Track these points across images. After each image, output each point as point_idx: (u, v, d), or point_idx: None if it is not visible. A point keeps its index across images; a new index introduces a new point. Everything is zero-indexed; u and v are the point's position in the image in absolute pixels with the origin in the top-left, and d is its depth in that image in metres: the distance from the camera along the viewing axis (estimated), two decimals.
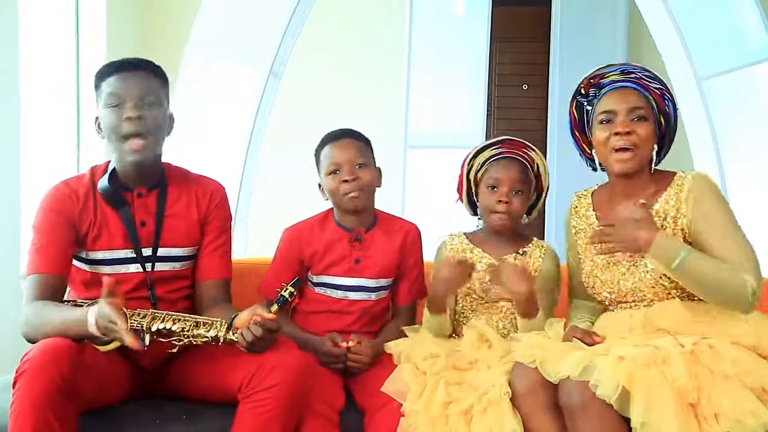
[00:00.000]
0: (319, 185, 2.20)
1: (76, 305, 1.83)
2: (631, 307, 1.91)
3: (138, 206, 1.95)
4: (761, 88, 3.18)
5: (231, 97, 3.40)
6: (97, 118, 1.95)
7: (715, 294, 1.76)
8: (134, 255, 1.93)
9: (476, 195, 2.14)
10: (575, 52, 4.99)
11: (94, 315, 1.69)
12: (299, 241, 2.18)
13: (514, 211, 2.07)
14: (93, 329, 1.69)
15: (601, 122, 1.91)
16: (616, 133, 1.87)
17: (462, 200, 2.20)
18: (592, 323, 2.00)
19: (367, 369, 2.05)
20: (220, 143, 3.36)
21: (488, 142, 2.13)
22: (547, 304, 2.09)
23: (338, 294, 2.16)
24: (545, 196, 2.17)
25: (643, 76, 1.91)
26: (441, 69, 4.65)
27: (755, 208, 3.13)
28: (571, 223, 2.07)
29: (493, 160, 2.09)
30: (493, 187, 2.07)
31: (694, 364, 1.67)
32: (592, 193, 2.06)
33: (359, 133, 2.19)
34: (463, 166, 2.16)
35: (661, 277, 1.85)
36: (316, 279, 2.17)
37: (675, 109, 1.94)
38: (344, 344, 2.06)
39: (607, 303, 1.97)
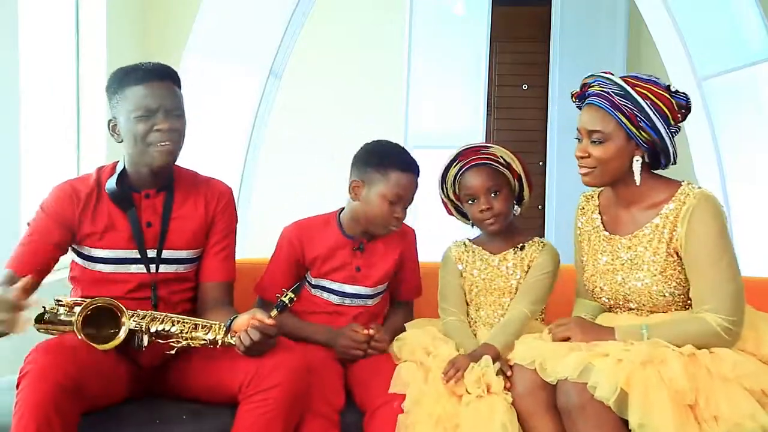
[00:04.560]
0: (355, 184, 2.11)
1: (76, 304, 1.83)
2: (629, 311, 1.92)
3: (145, 207, 1.95)
4: (761, 88, 3.18)
5: (231, 97, 3.40)
6: (110, 121, 1.94)
7: (692, 342, 1.74)
8: (138, 256, 1.93)
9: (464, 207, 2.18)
10: (575, 52, 4.99)
11: None
12: (300, 242, 2.17)
13: (500, 212, 2.09)
14: None
15: (576, 138, 1.93)
16: (576, 155, 1.90)
17: (453, 215, 2.24)
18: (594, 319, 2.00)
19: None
20: (220, 143, 3.36)
21: (447, 161, 2.13)
22: (535, 296, 2.07)
23: (335, 299, 2.17)
24: (528, 182, 2.15)
25: (612, 92, 1.83)
26: (441, 69, 4.65)
27: (755, 208, 3.14)
28: (577, 224, 2.07)
29: (460, 175, 2.12)
30: (472, 200, 2.11)
31: (692, 365, 1.68)
32: (599, 194, 2.05)
33: (418, 168, 2.13)
34: (440, 192, 2.19)
35: (652, 289, 1.85)
36: (314, 281, 2.18)
37: (652, 124, 1.81)
38: (365, 332, 2.08)
39: (607, 307, 1.98)
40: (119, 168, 1.96)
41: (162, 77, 1.91)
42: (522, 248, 2.15)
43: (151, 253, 1.94)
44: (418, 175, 2.13)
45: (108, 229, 1.92)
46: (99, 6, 3.93)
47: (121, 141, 1.93)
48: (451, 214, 2.24)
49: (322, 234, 2.18)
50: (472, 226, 2.21)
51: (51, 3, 3.67)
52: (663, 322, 1.82)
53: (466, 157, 2.11)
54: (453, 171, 2.13)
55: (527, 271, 2.13)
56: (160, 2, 4.51)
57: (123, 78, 1.91)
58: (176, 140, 1.91)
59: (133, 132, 1.88)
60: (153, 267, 1.94)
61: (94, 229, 1.92)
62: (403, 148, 2.20)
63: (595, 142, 1.86)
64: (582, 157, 1.88)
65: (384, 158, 2.11)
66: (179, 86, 1.96)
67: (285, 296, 1.83)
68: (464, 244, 2.22)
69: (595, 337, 1.79)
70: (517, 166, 2.13)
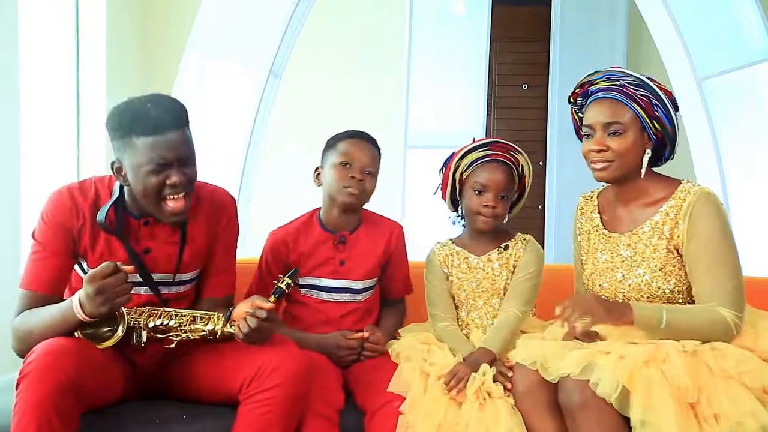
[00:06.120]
0: (317, 171, 2.20)
1: None
2: None
3: (143, 234, 1.88)
4: (761, 88, 3.18)
5: (231, 97, 3.40)
6: (114, 163, 1.81)
7: (703, 336, 1.76)
8: (141, 280, 1.87)
9: (460, 194, 2.16)
10: (575, 52, 4.99)
11: (78, 296, 1.68)
12: (285, 246, 2.18)
13: (499, 214, 2.10)
14: (78, 311, 1.68)
15: (585, 135, 1.92)
16: (591, 150, 1.89)
17: (444, 198, 2.21)
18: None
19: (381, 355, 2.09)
20: (220, 143, 3.36)
21: (476, 143, 2.14)
22: (525, 297, 2.09)
23: (324, 296, 2.17)
24: (526, 196, 2.20)
25: (628, 84, 1.87)
26: (441, 69, 4.66)
27: (755, 209, 3.14)
28: (577, 224, 2.07)
29: (481, 163, 2.10)
30: (479, 192, 2.09)
31: (694, 363, 1.68)
32: (598, 194, 2.06)
33: (378, 146, 2.20)
34: (449, 165, 2.16)
35: (652, 285, 1.86)
36: (301, 281, 2.17)
37: (667, 112, 1.87)
38: (358, 335, 2.09)
39: None
40: (115, 193, 1.86)
41: (175, 126, 1.77)
42: (506, 248, 2.14)
43: (158, 277, 1.89)
44: (370, 142, 2.17)
45: (105, 253, 1.85)
46: (99, 6, 3.94)
47: (128, 185, 1.82)
48: (443, 193, 2.20)
49: (305, 233, 2.19)
50: (458, 217, 2.20)
51: (51, 3, 3.67)
52: (678, 307, 1.82)
53: (495, 149, 2.11)
54: (475, 155, 2.11)
55: (513, 271, 2.13)
56: (160, 2, 4.51)
57: (131, 125, 1.75)
58: (190, 191, 1.82)
59: (144, 184, 1.77)
60: (164, 289, 1.90)
61: (93, 248, 1.85)
62: (353, 129, 2.22)
63: (613, 134, 1.86)
64: (600, 151, 1.87)
65: (333, 139, 2.20)
66: (188, 125, 1.83)
67: (282, 282, 1.82)
68: (447, 245, 2.21)
69: (617, 313, 1.77)
70: (528, 181, 2.16)
